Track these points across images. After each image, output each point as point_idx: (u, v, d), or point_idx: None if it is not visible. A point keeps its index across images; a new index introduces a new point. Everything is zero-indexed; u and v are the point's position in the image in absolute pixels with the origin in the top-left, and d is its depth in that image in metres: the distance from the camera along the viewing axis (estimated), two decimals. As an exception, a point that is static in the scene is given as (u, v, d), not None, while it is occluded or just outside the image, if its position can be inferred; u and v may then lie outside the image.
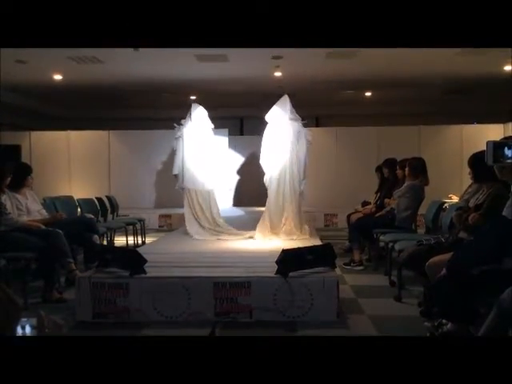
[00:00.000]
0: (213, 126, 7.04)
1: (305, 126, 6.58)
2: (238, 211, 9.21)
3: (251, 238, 6.34)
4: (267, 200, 6.60)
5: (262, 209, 6.66)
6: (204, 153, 6.81)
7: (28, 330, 1.55)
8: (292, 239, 6.11)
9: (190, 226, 6.64)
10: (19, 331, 1.53)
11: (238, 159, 11.02)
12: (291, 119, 6.52)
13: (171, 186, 10.89)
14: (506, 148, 2.29)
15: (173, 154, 9.80)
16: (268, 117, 6.62)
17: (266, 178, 6.60)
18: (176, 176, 6.84)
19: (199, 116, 6.85)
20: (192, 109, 6.89)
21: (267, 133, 6.61)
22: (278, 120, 6.53)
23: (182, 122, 6.86)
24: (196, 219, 6.70)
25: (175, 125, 6.90)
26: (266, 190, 6.73)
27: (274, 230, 6.37)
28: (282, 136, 6.48)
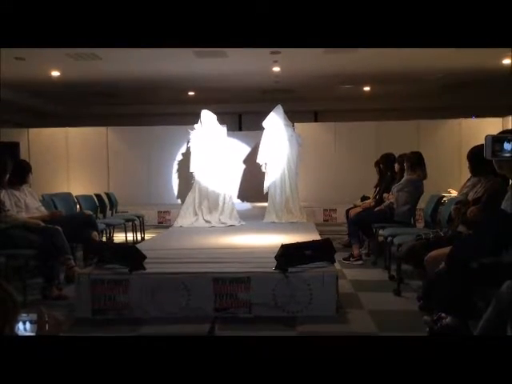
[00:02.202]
0: (223, 128, 8.10)
1: (302, 121, 7.15)
2: (242, 206, 9.39)
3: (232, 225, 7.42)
4: (269, 193, 7.98)
5: (261, 204, 7.22)
6: (214, 156, 7.80)
7: (28, 326, 1.55)
8: (293, 222, 7.63)
9: (184, 214, 7.68)
10: (19, 328, 1.53)
11: (237, 155, 11.01)
12: (285, 125, 7.97)
13: (171, 182, 11.00)
14: (504, 142, 2.28)
15: (173, 151, 10.77)
16: (265, 123, 7.99)
17: (267, 175, 7.94)
18: (193, 173, 7.94)
19: (209, 120, 7.85)
20: (202, 114, 7.90)
21: (265, 137, 7.99)
22: (274, 126, 7.93)
23: (195, 126, 7.95)
24: (193, 208, 7.66)
25: (189, 130, 8.05)
26: (263, 186, 8.01)
27: (279, 215, 7.84)
28: (278, 140, 7.93)
